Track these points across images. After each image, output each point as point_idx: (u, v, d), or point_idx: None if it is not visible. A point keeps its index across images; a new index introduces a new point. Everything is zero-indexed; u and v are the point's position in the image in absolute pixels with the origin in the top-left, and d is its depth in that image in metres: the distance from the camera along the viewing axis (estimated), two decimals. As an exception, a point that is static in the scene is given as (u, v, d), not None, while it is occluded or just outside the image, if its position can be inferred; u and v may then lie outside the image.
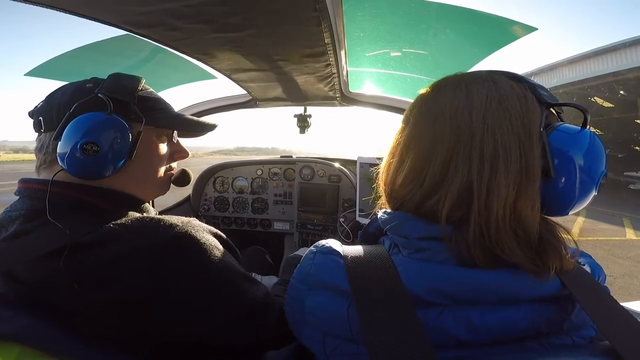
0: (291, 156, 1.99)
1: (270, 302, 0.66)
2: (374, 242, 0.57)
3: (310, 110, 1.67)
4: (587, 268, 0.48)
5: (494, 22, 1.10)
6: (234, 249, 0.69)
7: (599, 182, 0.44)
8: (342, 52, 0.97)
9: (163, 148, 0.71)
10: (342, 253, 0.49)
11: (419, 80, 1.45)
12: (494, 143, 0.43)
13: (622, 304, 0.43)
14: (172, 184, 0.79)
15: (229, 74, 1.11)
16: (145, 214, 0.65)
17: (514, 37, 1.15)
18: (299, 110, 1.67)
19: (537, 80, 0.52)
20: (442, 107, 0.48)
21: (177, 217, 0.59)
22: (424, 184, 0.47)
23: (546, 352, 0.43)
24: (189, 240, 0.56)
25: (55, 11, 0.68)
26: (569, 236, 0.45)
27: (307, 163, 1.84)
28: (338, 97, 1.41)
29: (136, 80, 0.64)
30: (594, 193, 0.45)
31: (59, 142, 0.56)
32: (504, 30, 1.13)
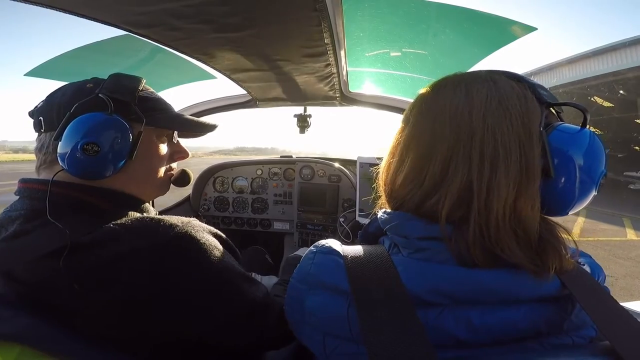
0: (291, 156, 1.99)
1: (270, 302, 0.66)
2: (373, 242, 0.57)
3: (310, 110, 1.67)
4: (586, 268, 0.48)
5: (493, 22, 1.10)
6: (234, 249, 0.69)
7: (599, 182, 0.44)
8: (342, 52, 0.97)
9: (163, 148, 0.71)
10: (342, 253, 0.49)
11: (419, 80, 1.45)
12: (494, 142, 0.43)
13: (622, 304, 0.43)
14: (172, 184, 0.79)
15: (228, 74, 1.11)
16: (145, 214, 0.65)
17: (514, 37, 1.15)
18: (299, 110, 1.67)
19: (536, 80, 0.52)
20: (442, 107, 0.48)
21: (177, 217, 0.59)
22: (424, 184, 0.47)
23: (546, 352, 0.43)
24: (189, 241, 0.56)
25: (55, 11, 0.68)
26: (568, 236, 0.45)
27: (307, 163, 1.84)
28: (338, 97, 1.41)
29: (137, 80, 0.64)
30: (593, 193, 0.45)
31: (60, 142, 0.56)
32: (503, 30, 1.14)
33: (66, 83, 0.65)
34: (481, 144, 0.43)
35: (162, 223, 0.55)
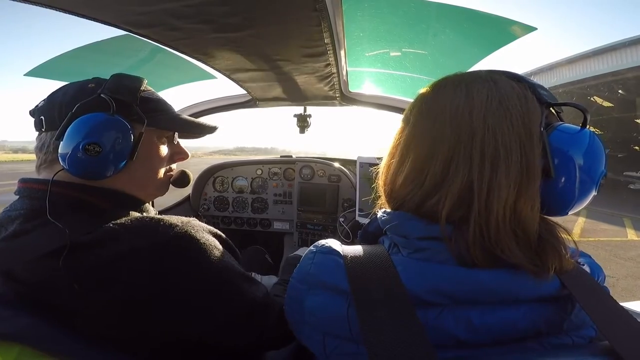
0: (291, 156, 1.99)
1: (270, 302, 0.66)
2: (373, 242, 0.57)
3: (310, 110, 1.67)
4: (586, 268, 0.48)
5: (493, 22, 1.10)
6: (234, 248, 0.69)
7: (599, 182, 0.44)
8: (342, 52, 0.97)
9: (164, 149, 0.71)
10: (341, 253, 0.49)
11: (419, 80, 1.45)
12: (494, 143, 0.43)
13: (621, 303, 0.43)
14: (171, 185, 0.79)
15: (228, 73, 1.11)
16: (145, 214, 0.65)
17: (514, 37, 1.15)
18: (299, 110, 1.67)
19: (536, 79, 0.52)
20: (442, 107, 0.48)
21: (176, 217, 0.59)
22: (424, 184, 0.47)
23: (546, 352, 0.43)
24: (189, 240, 0.56)
25: (55, 11, 0.68)
26: (568, 236, 0.45)
27: (307, 163, 1.84)
28: (338, 96, 1.41)
29: (139, 81, 0.65)
30: (593, 193, 0.45)
31: (61, 142, 0.56)
32: (503, 30, 1.14)
33: (67, 83, 0.65)
34: (482, 144, 0.43)
35: (161, 223, 0.55)
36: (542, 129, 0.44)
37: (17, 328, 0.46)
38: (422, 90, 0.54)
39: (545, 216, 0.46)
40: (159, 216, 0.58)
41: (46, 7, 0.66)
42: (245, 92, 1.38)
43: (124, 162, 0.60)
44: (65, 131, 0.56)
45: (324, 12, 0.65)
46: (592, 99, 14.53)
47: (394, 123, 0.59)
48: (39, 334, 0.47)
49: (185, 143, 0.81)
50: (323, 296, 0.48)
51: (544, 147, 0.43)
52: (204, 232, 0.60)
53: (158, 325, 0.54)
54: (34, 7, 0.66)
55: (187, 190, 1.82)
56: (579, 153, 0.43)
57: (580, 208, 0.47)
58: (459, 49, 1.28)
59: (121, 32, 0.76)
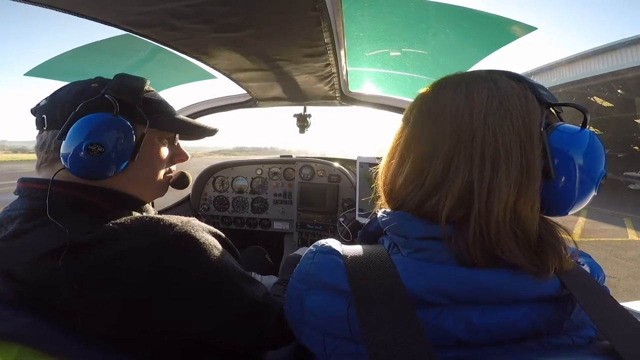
0: (291, 156, 1.99)
1: (269, 302, 0.66)
2: (373, 241, 0.57)
3: (310, 110, 1.67)
4: (586, 268, 0.48)
5: (493, 22, 1.10)
6: (234, 248, 0.69)
7: (599, 182, 0.44)
8: (342, 52, 0.97)
9: (164, 151, 0.71)
10: (341, 253, 0.49)
11: (419, 80, 1.45)
12: (495, 143, 0.43)
13: (621, 303, 0.43)
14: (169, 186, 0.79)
15: (228, 73, 1.11)
16: (145, 214, 0.65)
17: (514, 37, 1.15)
18: (299, 109, 1.67)
19: (536, 79, 0.52)
20: (442, 107, 0.48)
21: (176, 216, 0.59)
22: (424, 185, 0.47)
23: (546, 352, 0.43)
24: (189, 240, 0.56)
25: (55, 11, 0.68)
26: (568, 236, 0.45)
27: (307, 163, 1.84)
28: (338, 96, 1.41)
29: (142, 82, 0.65)
30: (593, 193, 0.45)
31: (63, 141, 0.56)
32: (503, 30, 1.13)
33: (69, 82, 0.65)
34: (482, 145, 0.43)
35: (161, 222, 0.55)
36: (542, 129, 0.44)
37: (17, 328, 0.46)
38: (422, 90, 0.53)
39: (545, 216, 0.46)
40: (159, 216, 0.58)
41: (46, 7, 0.66)
42: (245, 91, 1.38)
43: (125, 163, 0.60)
44: (67, 130, 0.56)
45: (324, 12, 0.65)
46: (592, 99, 14.53)
47: (393, 123, 0.59)
48: (39, 334, 0.47)
49: (185, 143, 0.81)
50: (323, 296, 0.48)
51: (544, 147, 0.43)
52: (204, 231, 0.60)
53: (158, 325, 0.54)
54: (34, 7, 0.66)
55: (187, 190, 1.82)
56: (579, 153, 0.43)
57: (580, 208, 0.47)
58: (459, 49, 1.28)
59: (121, 32, 0.76)
